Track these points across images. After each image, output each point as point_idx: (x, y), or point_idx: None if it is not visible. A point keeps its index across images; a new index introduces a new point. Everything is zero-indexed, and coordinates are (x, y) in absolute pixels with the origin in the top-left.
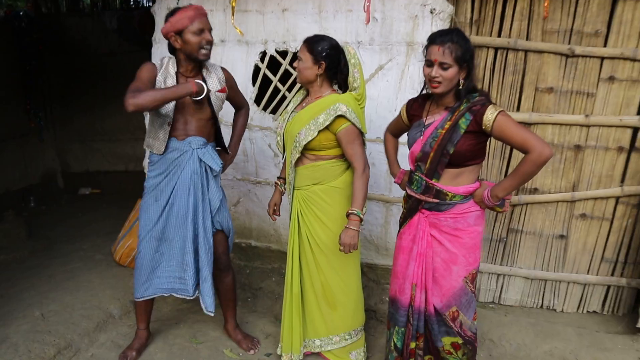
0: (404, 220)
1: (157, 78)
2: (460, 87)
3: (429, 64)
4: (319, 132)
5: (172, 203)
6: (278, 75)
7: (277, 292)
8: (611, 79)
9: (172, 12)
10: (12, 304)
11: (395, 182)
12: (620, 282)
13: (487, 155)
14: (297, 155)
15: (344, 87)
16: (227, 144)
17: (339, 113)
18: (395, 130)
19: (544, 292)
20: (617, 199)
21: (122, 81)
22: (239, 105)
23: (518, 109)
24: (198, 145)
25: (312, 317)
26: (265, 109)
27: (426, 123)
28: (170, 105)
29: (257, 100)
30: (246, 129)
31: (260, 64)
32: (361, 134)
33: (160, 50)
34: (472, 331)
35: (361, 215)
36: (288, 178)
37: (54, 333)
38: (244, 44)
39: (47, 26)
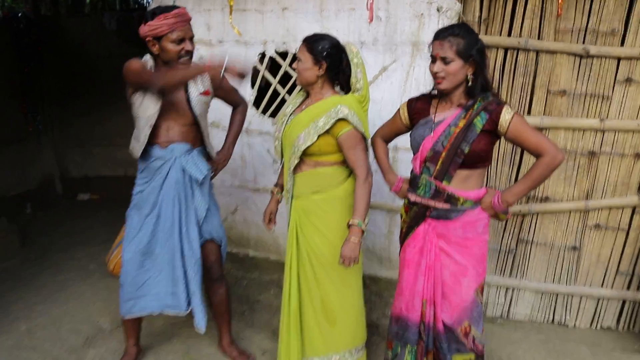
0: (407, 231)
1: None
2: (469, 84)
3: (432, 60)
4: (319, 136)
5: (157, 214)
6: (278, 77)
7: (275, 305)
8: (628, 80)
9: (152, 14)
10: None
11: (392, 190)
12: (636, 296)
13: (495, 162)
14: (296, 161)
15: (346, 88)
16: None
17: (341, 116)
18: (388, 134)
19: (555, 307)
20: (634, 208)
21: (122, 84)
22: (235, 103)
23: (529, 112)
24: (181, 152)
25: (311, 334)
26: (264, 112)
27: (436, 120)
28: (156, 108)
29: (256, 104)
30: (244, 134)
31: (259, 66)
32: (364, 138)
33: None
34: (482, 343)
35: (363, 227)
36: (286, 186)
37: (39, 350)
38: (243, 45)
39: (46, 28)
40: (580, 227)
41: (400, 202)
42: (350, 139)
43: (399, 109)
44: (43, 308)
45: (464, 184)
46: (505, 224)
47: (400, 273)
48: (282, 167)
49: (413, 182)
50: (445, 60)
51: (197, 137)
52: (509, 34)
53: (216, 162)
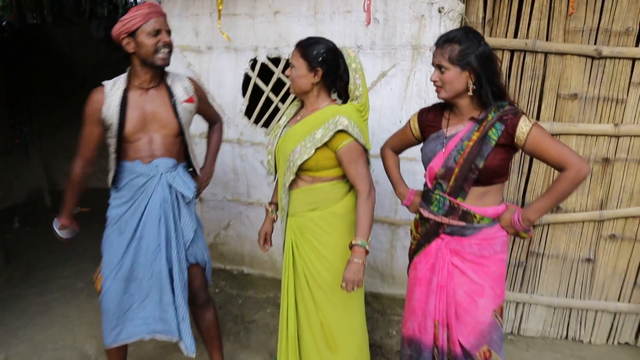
0: (418, 247)
1: (102, 111)
2: (471, 93)
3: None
4: (317, 149)
5: (140, 237)
6: (270, 85)
7: (272, 325)
8: None
9: (124, 13)
10: None
11: (404, 204)
12: None
13: None
14: (292, 177)
15: (344, 96)
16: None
17: (340, 128)
18: (398, 145)
19: (568, 322)
20: None
21: None
22: (212, 119)
23: (538, 118)
24: (166, 168)
25: None
26: (256, 122)
27: (448, 134)
28: (112, 130)
29: (248, 113)
30: (236, 145)
31: (250, 73)
32: (365, 151)
33: None
34: None
35: (367, 247)
36: (280, 203)
37: None
38: (233, 51)
39: (32, 37)
40: (594, 238)
41: (402, 216)
42: (351, 152)
43: (409, 121)
44: (25, 334)
45: (480, 201)
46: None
47: (410, 291)
48: (276, 183)
49: (426, 197)
50: (440, 69)
51: (181, 150)
52: (515, 36)
53: (199, 181)
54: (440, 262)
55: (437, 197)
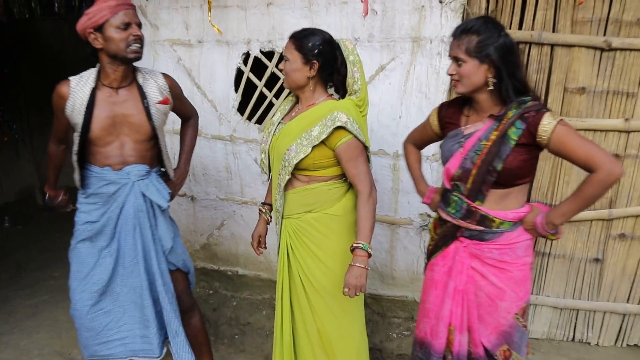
0: (435, 248)
1: (66, 107)
2: (490, 88)
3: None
4: (314, 147)
5: (116, 249)
6: (264, 80)
7: (267, 327)
8: None
9: (90, 4)
10: None
11: (423, 202)
12: None
13: None
14: (287, 177)
15: (341, 90)
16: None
17: (338, 124)
18: (419, 140)
19: (575, 324)
20: None
21: None
22: (187, 115)
23: None
24: (139, 176)
25: None
26: (249, 118)
27: (466, 133)
28: (77, 131)
29: (241, 109)
30: (229, 142)
31: (243, 67)
32: (365, 148)
33: (151, 54)
34: None
35: (369, 250)
36: (275, 204)
37: None
38: (225, 45)
39: (21, 32)
40: (603, 237)
41: (402, 215)
42: (350, 150)
43: (429, 116)
44: (10, 339)
45: (500, 203)
46: None
47: (425, 293)
48: (270, 182)
49: (444, 198)
50: (457, 62)
51: (154, 155)
52: (520, 27)
53: (173, 183)
54: (458, 266)
55: (455, 199)
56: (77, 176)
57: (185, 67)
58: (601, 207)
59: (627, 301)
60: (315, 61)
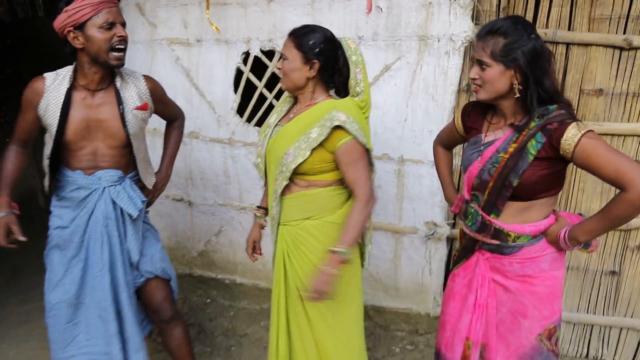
0: (458, 259)
1: (39, 105)
2: (517, 95)
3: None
4: (313, 150)
5: (84, 257)
6: (264, 80)
7: (265, 339)
8: None
9: (68, 1)
10: None
11: (452, 210)
12: None
13: None
14: (285, 183)
15: (343, 92)
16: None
17: (337, 123)
18: (447, 141)
19: (589, 340)
20: None
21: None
22: (172, 117)
23: None
24: (110, 181)
25: None
26: (249, 120)
27: (485, 141)
28: (51, 134)
29: (240, 111)
30: (227, 146)
31: (242, 67)
32: (367, 151)
33: (137, 53)
34: None
35: (347, 256)
36: (271, 211)
37: None
38: (224, 44)
39: (23, 31)
40: (620, 248)
41: (407, 223)
42: (350, 152)
43: (454, 116)
44: None
45: (519, 217)
46: None
47: (445, 303)
48: (267, 186)
49: (464, 209)
50: (481, 65)
51: (130, 161)
52: (533, 24)
53: (153, 189)
54: (478, 280)
55: (472, 210)
56: (47, 181)
57: (183, 67)
58: None
59: None
60: (315, 60)
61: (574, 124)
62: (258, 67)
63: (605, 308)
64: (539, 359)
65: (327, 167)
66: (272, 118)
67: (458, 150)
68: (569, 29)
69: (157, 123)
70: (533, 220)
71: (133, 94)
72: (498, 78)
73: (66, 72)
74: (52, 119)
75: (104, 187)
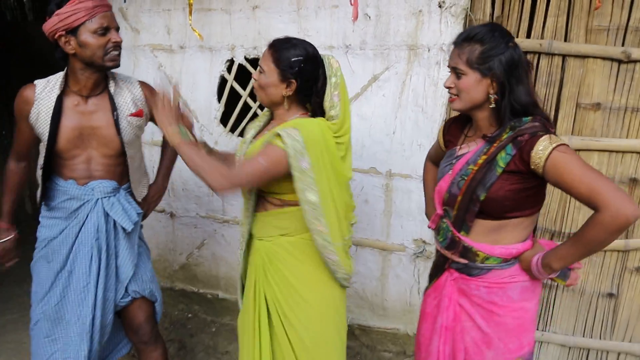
0: (430, 278)
1: (30, 115)
2: (491, 105)
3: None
4: None
5: (70, 270)
6: (248, 89)
7: None
8: None
9: (59, 3)
10: None
11: (429, 226)
12: None
13: None
14: (254, 200)
15: (319, 113)
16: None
17: (278, 131)
18: (435, 157)
19: None
20: None
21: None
22: None
23: None
24: (104, 193)
25: None
26: (232, 130)
27: (458, 154)
28: (43, 142)
29: (224, 120)
30: None
31: (227, 75)
32: (286, 162)
33: (131, 59)
34: None
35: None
36: (242, 228)
37: None
38: (208, 51)
39: (12, 35)
40: (618, 270)
41: (394, 240)
42: (265, 147)
43: (439, 131)
44: None
45: (489, 237)
46: None
47: (419, 324)
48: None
49: (437, 224)
50: (456, 72)
51: (125, 171)
52: (528, 35)
53: (147, 201)
54: (445, 301)
55: (444, 225)
56: (39, 192)
57: (166, 74)
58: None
59: None
60: (293, 80)
61: (545, 137)
62: (242, 76)
63: (602, 332)
64: None
65: (294, 186)
66: (249, 134)
67: None
68: (565, 40)
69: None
70: (505, 242)
71: (128, 100)
72: (474, 87)
73: (57, 78)
74: (43, 127)
75: (97, 199)
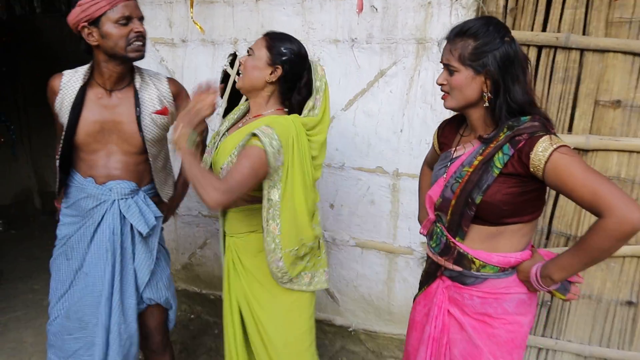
0: (420, 285)
1: (56, 101)
2: (485, 104)
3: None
4: None
5: (86, 272)
6: None
7: None
8: None
9: None
10: None
11: (420, 232)
12: None
13: None
14: None
15: (297, 111)
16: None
17: (254, 131)
18: (430, 160)
19: None
20: None
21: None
22: None
23: (570, 130)
24: (122, 194)
25: None
26: None
27: (453, 156)
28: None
29: (225, 116)
30: None
31: (229, 70)
32: (267, 167)
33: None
34: None
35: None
36: (219, 221)
37: None
38: (210, 45)
39: (21, 29)
40: (638, 277)
41: (401, 242)
42: (246, 150)
43: (434, 134)
44: None
45: (486, 244)
46: None
47: (408, 332)
48: None
49: (430, 229)
50: (449, 69)
51: (146, 170)
52: (544, 29)
53: (166, 206)
54: (435, 310)
55: (437, 230)
56: (57, 183)
57: (168, 69)
58: (636, 242)
59: None
60: (279, 66)
61: (545, 137)
62: None
63: (621, 342)
64: None
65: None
66: (223, 126)
67: None
68: (583, 34)
69: None
70: (503, 250)
71: (153, 96)
72: (467, 84)
73: (84, 69)
74: (65, 117)
75: (114, 200)
